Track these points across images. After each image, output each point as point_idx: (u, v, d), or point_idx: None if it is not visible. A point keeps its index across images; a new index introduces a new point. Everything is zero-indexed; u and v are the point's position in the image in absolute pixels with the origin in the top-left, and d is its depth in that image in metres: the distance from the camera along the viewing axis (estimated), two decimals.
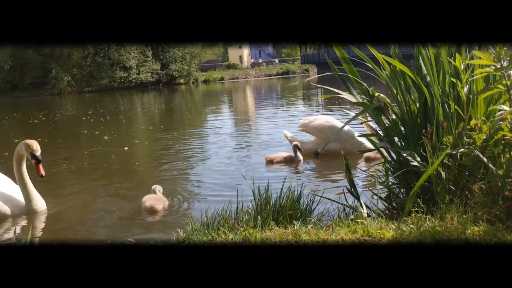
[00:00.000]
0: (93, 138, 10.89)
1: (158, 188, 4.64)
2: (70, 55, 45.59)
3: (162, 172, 6.40)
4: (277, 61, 75.99)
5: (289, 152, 6.35)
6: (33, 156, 4.38)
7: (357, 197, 3.08)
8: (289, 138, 6.92)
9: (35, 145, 4.41)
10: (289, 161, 6.22)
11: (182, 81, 51.23)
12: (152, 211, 4.37)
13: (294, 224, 2.52)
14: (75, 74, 44.60)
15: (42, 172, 4.45)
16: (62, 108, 24.03)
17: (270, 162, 6.31)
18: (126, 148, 8.57)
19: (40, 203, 4.59)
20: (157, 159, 7.44)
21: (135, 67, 46.07)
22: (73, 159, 8.04)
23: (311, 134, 6.86)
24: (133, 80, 45.92)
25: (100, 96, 35.45)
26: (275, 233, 2.40)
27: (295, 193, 2.99)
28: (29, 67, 43.49)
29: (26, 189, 4.52)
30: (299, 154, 6.26)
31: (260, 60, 74.84)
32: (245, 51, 77.78)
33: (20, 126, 15.90)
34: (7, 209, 4.48)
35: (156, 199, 4.47)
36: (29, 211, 4.52)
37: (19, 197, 4.59)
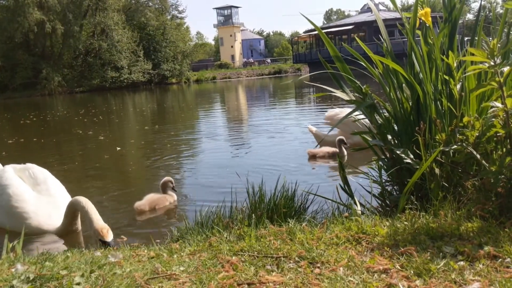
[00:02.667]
0: (87, 138, 10.82)
1: (169, 180, 4.63)
2: (61, 55, 45.29)
3: (156, 172, 6.38)
4: (269, 60, 76.07)
5: (333, 148, 6.25)
6: (103, 242, 3.33)
7: (350, 194, 3.08)
8: (313, 132, 6.93)
9: (105, 231, 3.36)
10: (332, 156, 6.15)
11: (174, 80, 51.14)
12: (138, 212, 4.37)
13: (289, 222, 2.52)
14: (66, 74, 44.31)
15: None
16: (54, 109, 23.85)
17: (312, 157, 6.25)
18: (118, 148, 8.52)
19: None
20: (151, 159, 7.41)
21: (126, 67, 45.88)
22: (66, 159, 7.98)
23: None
24: (125, 80, 45.74)
25: (91, 96, 35.25)
26: (269, 231, 2.40)
27: (289, 191, 2.99)
28: (19, 68, 43.14)
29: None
30: (343, 149, 6.19)
31: (252, 60, 74.90)
32: (237, 51, 77.76)
33: (12, 127, 15.76)
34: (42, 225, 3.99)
35: (152, 199, 4.45)
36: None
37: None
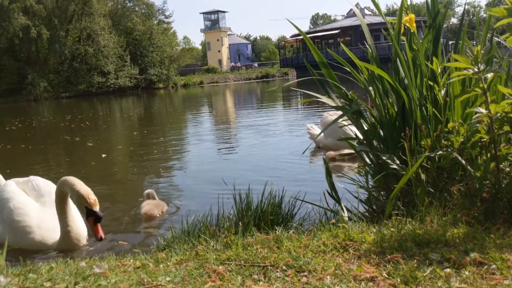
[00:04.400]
0: (74, 144, 10.72)
1: (150, 192, 4.58)
2: (46, 60, 44.89)
3: (142, 178, 6.33)
4: (256, 64, 76.27)
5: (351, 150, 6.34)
6: (90, 212, 3.30)
7: (337, 200, 3.08)
8: (311, 133, 7.13)
9: (93, 198, 3.33)
10: (352, 158, 6.17)
11: (161, 85, 50.99)
12: (148, 217, 4.29)
13: (276, 230, 2.51)
14: (51, 80, 43.89)
15: (101, 234, 3.37)
16: (39, 115, 23.60)
17: (332, 159, 6.26)
18: (104, 155, 8.45)
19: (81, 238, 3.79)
20: (138, 165, 7.35)
21: (113, 72, 45.64)
22: (52, 166, 7.88)
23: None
24: (111, 85, 45.48)
25: (78, 101, 34.96)
26: (256, 239, 2.38)
27: (277, 197, 2.98)
28: (4, 73, 42.67)
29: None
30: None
31: (239, 64, 74.98)
32: (224, 55, 77.81)
33: None
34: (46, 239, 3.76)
35: (154, 205, 4.41)
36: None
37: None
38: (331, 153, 6.34)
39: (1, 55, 42.79)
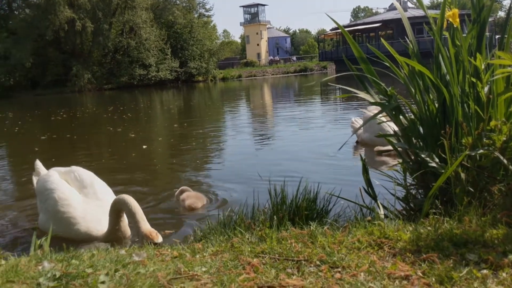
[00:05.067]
0: (116, 135, 11.03)
1: (184, 189, 4.64)
2: (90, 52, 46.15)
3: (181, 170, 6.46)
4: (294, 58, 75.84)
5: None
6: (154, 243, 3.20)
7: (374, 197, 3.06)
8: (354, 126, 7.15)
9: (154, 234, 3.32)
10: (390, 155, 6.07)
11: (200, 78, 51.55)
12: (192, 209, 4.37)
13: (310, 225, 2.52)
14: (95, 72, 45.12)
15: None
16: (83, 105, 24.36)
17: (380, 154, 6.25)
18: (144, 146, 8.65)
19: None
20: (177, 157, 7.50)
21: (154, 65, 46.49)
22: (95, 156, 8.15)
23: None
24: (152, 78, 46.36)
25: (120, 93, 35.85)
26: (291, 234, 2.40)
27: (312, 193, 2.99)
28: (50, 65, 44.20)
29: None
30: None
31: (278, 58, 74.76)
32: (263, 49, 77.77)
33: (42, 123, 16.18)
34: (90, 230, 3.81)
35: (196, 197, 4.49)
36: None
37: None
38: (379, 148, 6.25)
39: (47, 47, 44.30)
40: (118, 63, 46.30)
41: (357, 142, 7.23)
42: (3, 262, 2.35)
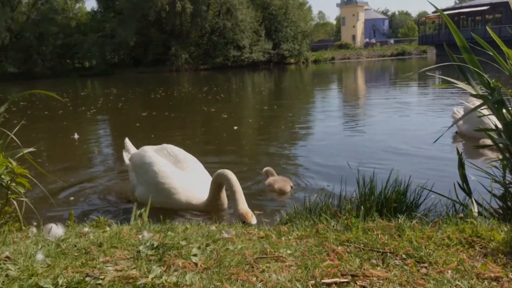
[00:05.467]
0: (210, 115, 11.46)
1: (269, 170, 4.75)
2: (188, 33, 47.84)
3: (269, 152, 6.59)
4: (392, 41, 72.93)
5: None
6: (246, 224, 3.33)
7: (468, 193, 2.93)
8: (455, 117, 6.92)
9: (250, 215, 3.49)
10: (489, 150, 5.77)
11: (292, 60, 51.43)
12: (282, 192, 4.47)
13: (398, 218, 2.48)
14: (192, 52, 46.79)
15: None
16: (180, 85, 25.48)
17: (481, 147, 6.06)
18: (235, 128, 8.90)
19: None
20: (266, 140, 7.65)
21: (248, 46, 47.15)
22: (189, 135, 8.56)
23: None
24: (245, 59, 47.09)
25: (214, 74, 36.94)
26: (377, 225, 2.39)
27: (402, 185, 2.93)
28: (152, 45, 46.57)
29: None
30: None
31: (374, 40, 72.29)
32: (359, 31, 75.61)
33: (143, 100, 17.22)
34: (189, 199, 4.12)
35: (284, 181, 4.58)
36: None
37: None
38: (485, 141, 5.89)
39: (149, 27, 46.65)
40: (214, 44, 47.58)
41: (456, 132, 6.88)
42: (107, 229, 2.60)
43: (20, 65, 44.71)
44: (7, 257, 1.99)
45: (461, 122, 6.65)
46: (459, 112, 6.94)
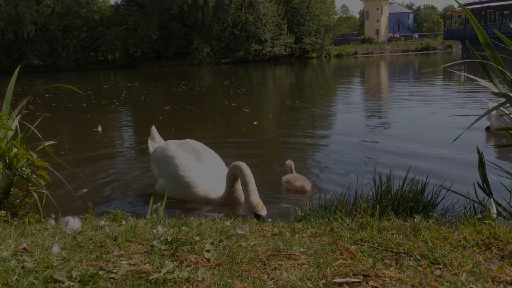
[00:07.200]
0: (231, 109, 11.48)
1: (289, 164, 4.72)
2: (210, 27, 47.95)
3: (288, 147, 6.57)
4: (416, 35, 71.76)
5: None
6: (257, 215, 3.47)
7: (488, 194, 2.87)
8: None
9: (260, 206, 3.52)
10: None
11: (314, 55, 51.10)
12: (303, 191, 4.45)
13: (415, 217, 2.45)
14: (213, 46, 46.90)
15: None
16: (201, 78, 25.56)
17: (505, 146, 5.96)
18: (255, 123, 8.90)
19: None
20: (286, 135, 7.63)
21: (269, 40, 47.01)
22: (209, 129, 8.60)
23: None
24: (267, 53, 46.99)
25: (235, 68, 36.96)
26: (392, 224, 2.37)
27: (420, 184, 2.88)
28: (173, 38, 46.85)
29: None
30: None
31: (398, 35, 71.22)
32: (383, 25, 74.64)
33: (165, 94, 17.35)
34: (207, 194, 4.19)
35: (304, 180, 4.55)
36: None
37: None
38: None
39: (171, 21, 46.93)
40: (235, 38, 47.59)
41: (488, 128, 6.73)
42: (123, 222, 2.64)
43: (45, 58, 45.56)
44: (24, 248, 2.04)
45: (493, 118, 6.53)
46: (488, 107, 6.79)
